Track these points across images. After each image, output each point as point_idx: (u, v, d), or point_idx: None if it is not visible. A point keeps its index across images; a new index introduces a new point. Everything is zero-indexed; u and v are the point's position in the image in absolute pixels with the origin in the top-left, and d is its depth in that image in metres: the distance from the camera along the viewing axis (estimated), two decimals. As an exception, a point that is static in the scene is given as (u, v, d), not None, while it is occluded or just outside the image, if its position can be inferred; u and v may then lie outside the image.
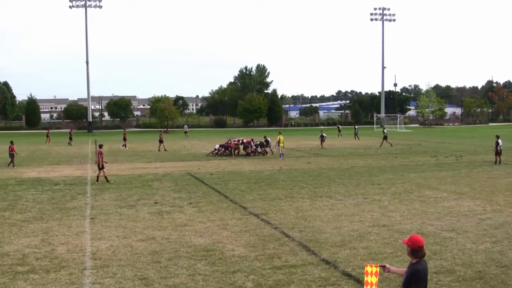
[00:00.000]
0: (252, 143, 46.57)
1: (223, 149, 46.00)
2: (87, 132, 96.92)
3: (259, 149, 46.38)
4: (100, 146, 29.92)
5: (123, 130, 63.27)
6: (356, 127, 72.89)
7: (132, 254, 14.12)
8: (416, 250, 7.29)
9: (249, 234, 16.27)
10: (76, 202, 22.50)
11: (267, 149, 46.70)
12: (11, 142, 37.81)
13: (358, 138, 66.44)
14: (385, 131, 61.75)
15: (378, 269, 7.87)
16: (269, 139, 47.69)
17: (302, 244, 14.96)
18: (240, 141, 47.64)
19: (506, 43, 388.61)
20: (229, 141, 47.92)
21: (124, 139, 56.74)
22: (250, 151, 46.00)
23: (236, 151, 46.15)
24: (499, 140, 36.35)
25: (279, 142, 42.50)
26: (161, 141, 52.45)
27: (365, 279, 7.99)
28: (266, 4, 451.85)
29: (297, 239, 15.54)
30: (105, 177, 28.49)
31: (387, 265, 7.90)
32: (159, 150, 50.89)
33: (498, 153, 36.28)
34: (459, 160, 38.76)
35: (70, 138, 63.99)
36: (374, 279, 7.88)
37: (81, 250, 14.60)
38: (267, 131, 75.17)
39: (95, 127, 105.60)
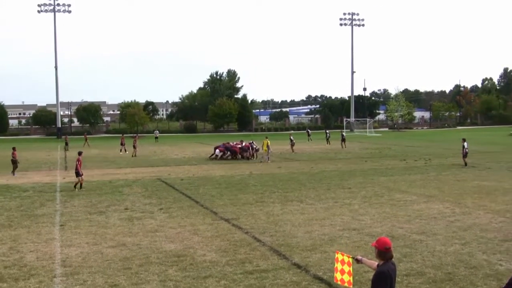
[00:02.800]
0: (251, 146, 46.86)
1: (228, 152, 46.18)
2: (56, 138, 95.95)
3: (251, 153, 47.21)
4: (80, 154, 29.55)
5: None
6: (327, 131, 72.31)
7: (102, 260, 14.03)
8: (383, 252, 7.30)
9: (220, 239, 16.26)
10: (46, 209, 22.28)
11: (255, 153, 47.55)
12: (14, 149, 37.26)
13: (329, 143, 66.50)
14: (343, 133, 63.00)
15: (350, 259, 7.93)
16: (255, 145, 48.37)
17: (273, 249, 15.00)
18: (241, 145, 47.72)
19: (473, 48, 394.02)
20: (228, 144, 48.16)
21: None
22: (249, 155, 46.25)
23: (240, 155, 46.37)
24: (465, 143, 37.19)
25: (263, 145, 44.49)
26: (134, 147, 52.83)
27: (335, 265, 8.02)
28: (236, 10, 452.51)
29: (268, 244, 15.58)
30: (75, 185, 28.12)
31: (360, 257, 7.97)
32: (132, 156, 51.20)
33: (464, 155, 37.11)
34: (428, 164, 39.17)
35: (66, 144, 63.92)
36: (346, 268, 7.91)
37: (50, 257, 14.47)
38: (238, 136, 75.05)
39: (64, 133, 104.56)
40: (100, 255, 14.62)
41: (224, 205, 22.41)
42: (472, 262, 13.43)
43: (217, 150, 46.75)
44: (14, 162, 36.20)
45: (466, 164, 36.77)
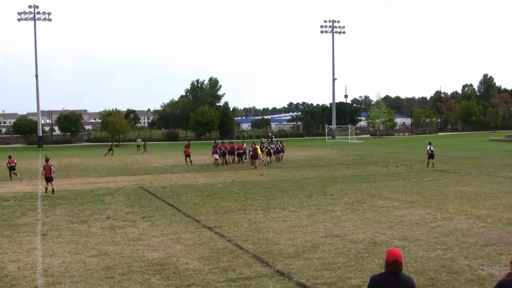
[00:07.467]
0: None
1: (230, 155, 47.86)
2: (37, 147, 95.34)
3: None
4: (47, 160, 29.54)
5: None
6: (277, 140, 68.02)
7: (84, 270, 13.93)
8: (387, 263, 7.01)
9: (202, 247, 16.22)
10: (27, 218, 22.11)
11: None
12: (10, 157, 39.38)
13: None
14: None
15: None
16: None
17: (256, 256, 14.97)
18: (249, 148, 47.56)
19: (453, 55, 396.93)
20: (224, 146, 48.47)
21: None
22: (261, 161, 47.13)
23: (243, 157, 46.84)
24: (430, 146, 41.16)
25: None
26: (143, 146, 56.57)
27: None
28: (218, 18, 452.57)
29: (251, 251, 15.55)
30: (47, 189, 28.37)
31: None
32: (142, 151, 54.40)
33: (430, 156, 40.78)
34: (409, 170, 39.37)
35: (110, 150, 66.77)
36: None
37: (32, 267, 14.34)
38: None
39: (45, 142, 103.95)
40: (82, 264, 14.53)
41: (206, 213, 22.35)
42: (454, 267, 13.49)
43: (215, 155, 46.63)
44: (12, 169, 37.98)
45: (428, 165, 40.33)
